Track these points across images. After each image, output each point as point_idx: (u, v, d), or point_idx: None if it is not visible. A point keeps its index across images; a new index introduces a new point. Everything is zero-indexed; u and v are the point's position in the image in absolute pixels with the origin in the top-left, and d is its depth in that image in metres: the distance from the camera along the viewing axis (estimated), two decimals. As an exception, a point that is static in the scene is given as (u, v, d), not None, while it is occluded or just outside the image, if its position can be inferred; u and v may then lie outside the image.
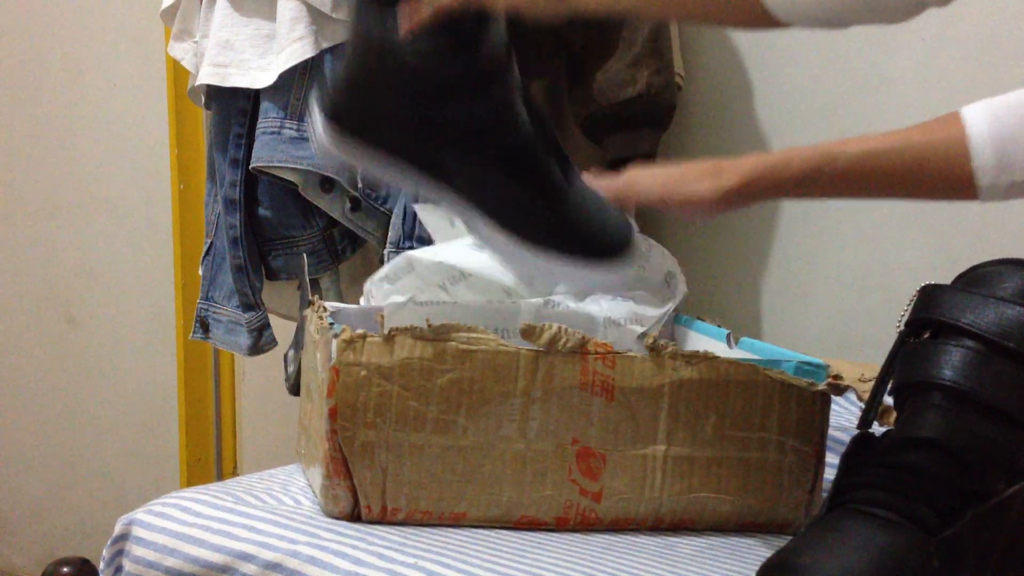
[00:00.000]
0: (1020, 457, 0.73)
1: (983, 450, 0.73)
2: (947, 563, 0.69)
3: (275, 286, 1.49)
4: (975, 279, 0.77)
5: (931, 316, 0.77)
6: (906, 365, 0.78)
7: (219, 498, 0.91)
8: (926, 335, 0.77)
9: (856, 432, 0.79)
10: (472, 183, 0.83)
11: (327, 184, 1.34)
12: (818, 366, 0.91)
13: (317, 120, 0.87)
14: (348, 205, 1.36)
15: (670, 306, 1.07)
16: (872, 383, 0.82)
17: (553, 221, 0.83)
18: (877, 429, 0.80)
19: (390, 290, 1.03)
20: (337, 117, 0.86)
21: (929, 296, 0.78)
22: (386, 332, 0.85)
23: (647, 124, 1.38)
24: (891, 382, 0.79)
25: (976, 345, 0.74)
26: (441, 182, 0.84)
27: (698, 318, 1.09)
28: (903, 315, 0.80)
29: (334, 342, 0.85)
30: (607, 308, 1.07)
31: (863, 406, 0.81)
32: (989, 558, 0.72)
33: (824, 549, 0.70)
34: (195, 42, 1.43)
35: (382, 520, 0.88)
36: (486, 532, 0.88)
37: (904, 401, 0.78)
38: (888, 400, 0.81)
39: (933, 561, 0.69)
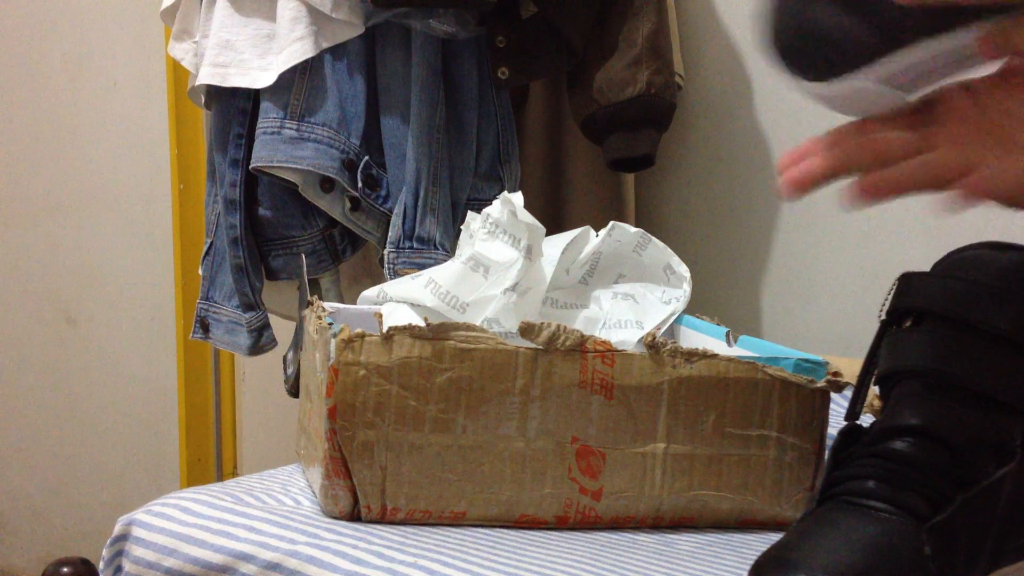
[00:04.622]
0: (1008, 439, 0.73)
1: (969, 434, 0.73)
2: (939, 549, 0.69)
3: (275, 286, 1.49)
4: (954, 264, 0.78)
5: (911, 304, 0.77)
6: (889, 354, 0.78)
7: (219, 498, 0.91)
8: (907, 323, 0.77)
9: (844, 424, 0.79)
10: None
11: (327, 184, 1.34)
12: (817, 363, 0.91)
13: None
14: (348, 205, 1.36)
15: (674, 307, 1.08)
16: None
17: None
18: (867, 420, 0.80)
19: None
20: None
21: (908, 284, 0.78)
22: (385, 331, 0.86)
23: (647, 124, 1.38)
24: (876, 372, 0.80)
25: (957, 330, 0.74)
26: None
27: (697, 316, 1.09)
28: (884, 304, 0.80)
29: (332, 342, 0.85)
30: (608, 310, 1.07)
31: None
32: (983, 542, 0.72)
33: (814, 542, 0.70)
34: (195, 42, 1.43)
35: (382, 520, 0.88)
36: (486, 531, 0.88)
37: (889, 390, 0.78)
38: (875, 390, 0.81)
39: (925, 548, 0.69)
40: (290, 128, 1.32)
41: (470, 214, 1.07)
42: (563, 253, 1.04)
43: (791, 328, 1.56)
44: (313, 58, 1.31)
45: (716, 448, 0.90)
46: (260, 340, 1.44)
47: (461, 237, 1.08)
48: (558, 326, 0.87)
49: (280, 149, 1.32)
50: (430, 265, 1.08)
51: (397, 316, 0.99)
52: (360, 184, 1.33)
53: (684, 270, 1.08)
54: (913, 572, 0.69)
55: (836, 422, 0.90)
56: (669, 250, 1.09)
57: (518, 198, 1.00)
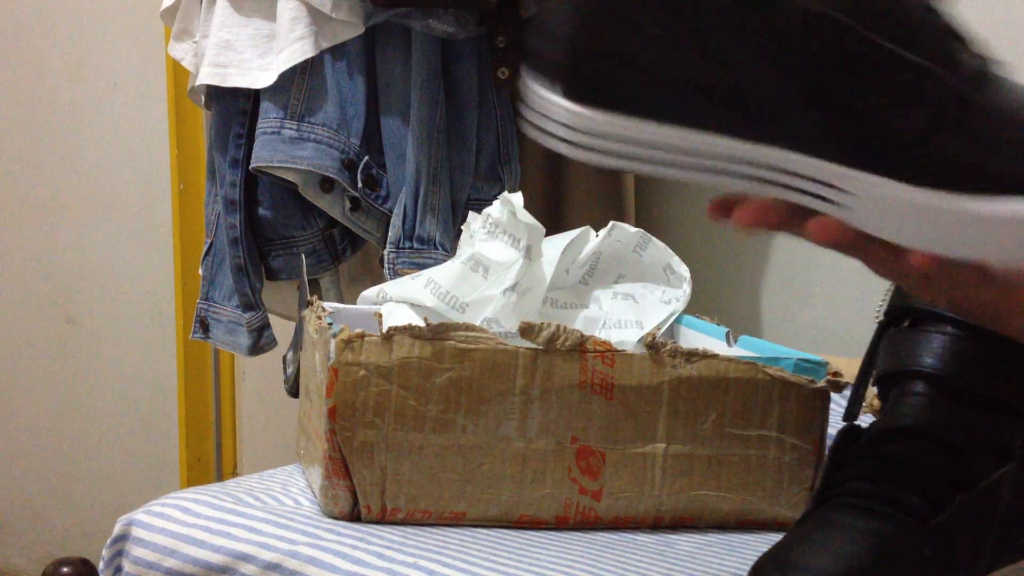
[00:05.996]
0: (1008, 440, 0.73)
1: (968, 435, 0.73)
2: (939, 550, 0.69)
3: (275, 286, 1.49)
4: None
5: (909, 304, 0.77)
6: (887, 355, 0.78)
7: (219, 499, 0.91)
8: (906, 323, 0.77)
9: (843, 425, 0.79)
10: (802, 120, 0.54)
11: (327, 184, 1.34)
12: (817, 363, 0.91)
13: (553, 101, 0.55)
14: (348, 205, 1.36)
15: (674, 307, 1.08)
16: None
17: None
18: (866, 420, 0.80)
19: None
20: (581, 85, 0.54)
21: None
22: (385, 331, 0.86)
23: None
24: (874, 373, 0.80)
25: (956, 330, 0.74)
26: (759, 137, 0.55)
27: (697, 316, 1.09)
28: (881, 305, 0.80)
29: (332, 342, 0.85)
30: (608, 310, 1.07)
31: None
32: (983, 544, 0.72)
33: (813, 544, 0.70)
34: (195, 42, 1.43)
35: (382, 520, 0.88)
36: (486, 531, 0.88)
37: (888, 391, 0.78)
38: (873, 391, 0.81)
39: (925, 549, 0.69)
40: (290, 128, 1.32)
41: (471, 214, 1.07)
42: (563, 253, 1.04)
43: (791, 328, 1.56)
44: (313, 58, 1.31)
45: (716, 448, 0.90)
46: (260, 340, 1.44)
47: (462, 237, 1.08)
48: (558, 326, 0.87)
49: (280, 149, 1.32)
50: (430, 265, 1.08)
51: (397, 316, 0.99)
52: (360, 184, 1.33)
53: (684, 270, 1.08)
54: (914, 573, 0.69)
55: (836, 422, 0.90)
56: (669, 250, 1.09)
57: (518, 198, 1.00)
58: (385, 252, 1.33)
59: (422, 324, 0.86)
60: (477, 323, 0.92)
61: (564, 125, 0.55)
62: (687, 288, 1.08)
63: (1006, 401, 0.74)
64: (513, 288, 0.96)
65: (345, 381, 0.85)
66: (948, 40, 0.55)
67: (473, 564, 0.80)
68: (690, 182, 0.57)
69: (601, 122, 0.55)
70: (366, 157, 1.34)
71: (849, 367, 0.92)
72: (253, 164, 1.33)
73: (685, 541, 0.89)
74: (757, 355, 0.92)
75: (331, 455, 0.86)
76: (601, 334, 1.03)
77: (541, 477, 0.89)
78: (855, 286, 1.49)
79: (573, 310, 1.07)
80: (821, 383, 0.91)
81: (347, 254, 1.44)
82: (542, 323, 0.87)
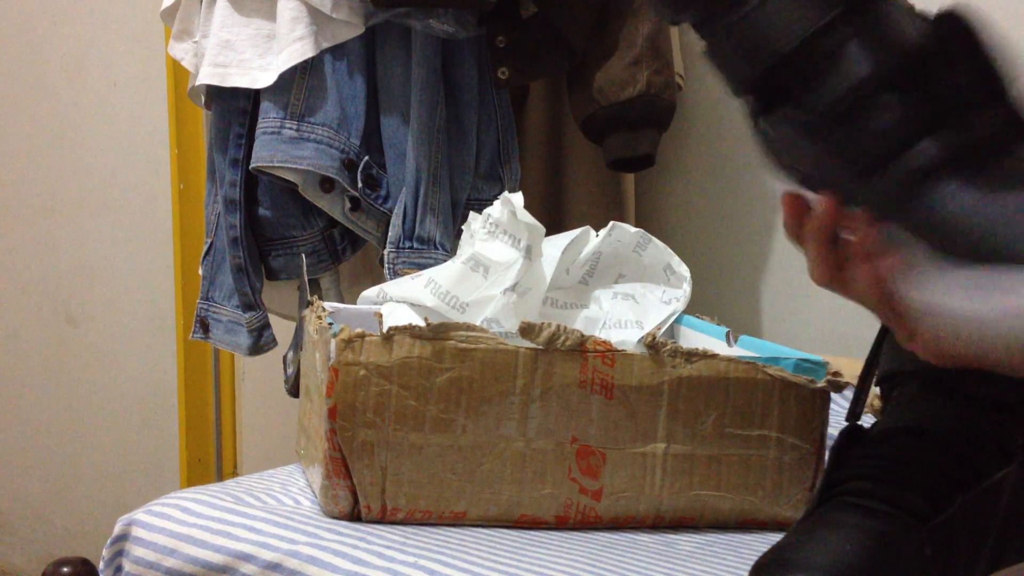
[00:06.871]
0: (1009, 440, 0.73)
1: (970, 436, 0.73)
2: (940, 550, 0.69)
3: (275, 286, 1.49)
4: None
5: None
6: (890, 355, 0.78)
7: (219, 498, 0.91)
8: None
9: (845, 425, 0.79)
10: None
11: (327, 184, 1.34)
12: (817, 363, 0.91)
13: None
14: (348, 205, 1.36)
15: (674, 307, 1.08)
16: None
17: None
18: (868, 421, 0.80)
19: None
20: None
21: None
22: (385, 331, 0.86)
23: (647, 124, 1.38)
24: (877, 373, 0.79)
25: None
26: None
27: (697, 316, 1.09)
28: None
29: (333, 342, 0.85)
30: (608, 310, 1.07)
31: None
32: (983, 543, 0.72)
33: (815, 542, 0.70)
34: (195, 42, 1.43)
35: (382, 520, 0.88)
36: (486, 531, 0.88)
37: (890, 391, 0.78)
38: (876, 391, 0.81)
39: (925, 549, 0.69)
40: (290, 128, 1.32)
41: (471, 214, 1.07)
42: (563, 253, 1.04)
43: (791, 328, 1.56)
44: (313, 58, 1.30)
45: (716, 448, 0.90)
46: (260, 340, 1.44)
47: (462, 237, 1.08)
48: (558, 326, 0.87)
49: (280, 149, 1.32)
50: (430, 265, 1.08)
51: (397, 316, 0.99)
52: (360, 184, 1.33)
53: (684, 270, 1.08)
54: (914, 572, 0.69)
55: (836, 422, 0.90)
56: (669, 250, 1.09)
57: (518, 198, 1.00)
58: (385, 252, 1.33)
59: (422, 324, 0.86)
60: (477, 323, 0.92)
61: None
62: (687, 288, 1.08)
63: (1007, 402, 0.74)
64: (513, 288, 0.96)
65: (345, 381, 0.85)
66: None
67: (473, 564, 0.80)
68: None
69: None
70: (366, 157, 1.34)
71: (850, 367, 0.92)
72: (253, 164, 1.33)
73: (685, 541, 0.89)
74: (757, 355, 0.92)
75: (331, 455, 0.86)
76: (601, 334, 1.03)
77: (541, 477, 0.89)
78: (855, 286, 1.49)
79: (573, 310, 1.07)
80: (821, 383, 0.91)
81: (347, 254, 1.44)
82: (542, 323, 0.87)
